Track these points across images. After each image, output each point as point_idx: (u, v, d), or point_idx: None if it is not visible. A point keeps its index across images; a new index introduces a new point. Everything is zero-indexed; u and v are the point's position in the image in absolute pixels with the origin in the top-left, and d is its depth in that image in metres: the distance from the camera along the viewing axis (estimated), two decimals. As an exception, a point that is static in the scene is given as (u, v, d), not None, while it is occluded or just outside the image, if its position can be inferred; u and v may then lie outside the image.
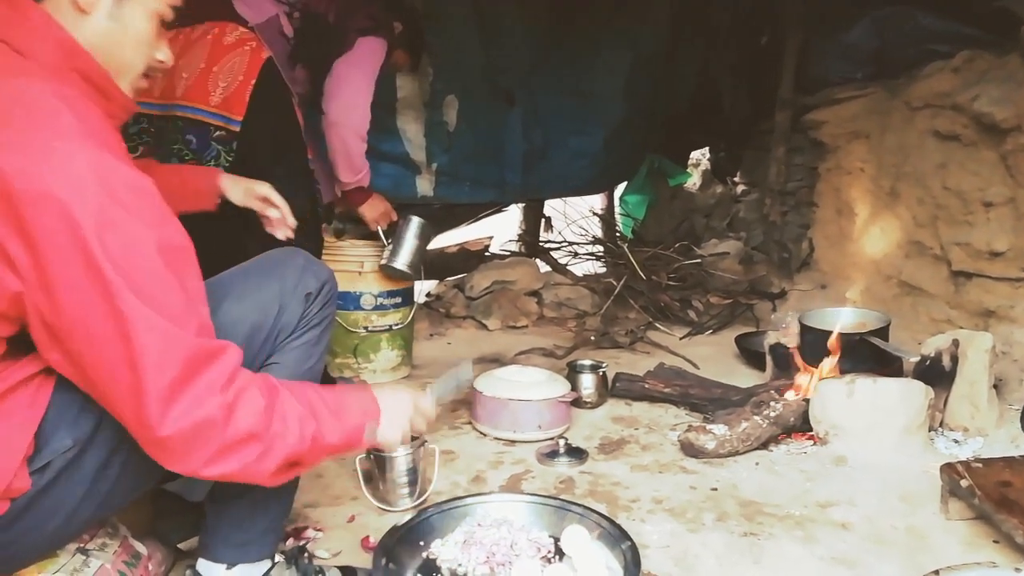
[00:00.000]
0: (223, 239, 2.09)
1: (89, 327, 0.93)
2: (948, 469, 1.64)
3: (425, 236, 2.58)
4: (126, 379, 0.94)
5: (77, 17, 1.04)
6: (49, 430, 1.03)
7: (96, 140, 0.96)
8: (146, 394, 0.93)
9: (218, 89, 1.92)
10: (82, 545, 1.35)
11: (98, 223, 0.91)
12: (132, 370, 0.93)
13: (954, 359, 2.09)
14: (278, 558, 1.37)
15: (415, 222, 2.56)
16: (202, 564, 1.32)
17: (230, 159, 1.95)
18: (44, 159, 0.91)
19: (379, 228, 2.55)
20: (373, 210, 2.50)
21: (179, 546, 1.48)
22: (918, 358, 2.17)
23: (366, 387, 1.27)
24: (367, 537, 1.57)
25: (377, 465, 1.71)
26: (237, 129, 1.93)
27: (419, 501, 1.73)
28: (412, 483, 1.72)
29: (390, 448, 1.27)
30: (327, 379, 2.32)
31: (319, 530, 1.61)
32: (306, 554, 1.45)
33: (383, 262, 2.56)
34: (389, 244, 2.55)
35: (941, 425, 2.09)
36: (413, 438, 1.77)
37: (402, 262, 2.53)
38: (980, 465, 1.63)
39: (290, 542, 1.54)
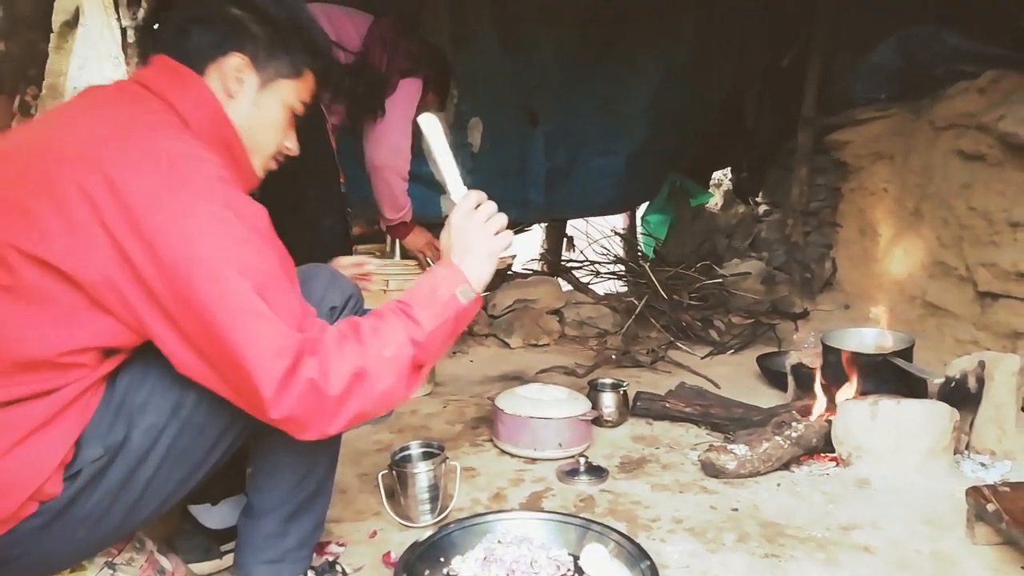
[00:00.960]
0: None
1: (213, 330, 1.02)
2: (974, 493, 1.62)
3: None
4: (242, 374, 1.02)
5: (225, 99, 1.20)
6: (85, 438, 1.07)
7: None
8: (259, 386, 1.01)
9: None
10: (110, 559, 1.38)
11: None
12: (245, 366, 1.01)
13: (980, 381, 2.07)
14: (310, 574, 1.39)
15: None
16: None
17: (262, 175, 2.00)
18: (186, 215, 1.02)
19: (425, 257, 2.66)
20: (417, 241, 2.66)
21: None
22: (943, 379, 2.15)
23: (443, 259, 1.27)
24: (388, 553, 1.59)
25: (399, 481, 1.73)
26: None
27: (440, 517, 1.74)
28: (433, 499, 1.73)
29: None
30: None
31: (342, 545, 1.63)
32: (338, 567, 1.48)
33: None
34: None
35: (967, 448, 2.06)
36: (434, 455, 1.79)
37: None
38: (1008, 489, 1.60)
39: (314, 558, 1.55)
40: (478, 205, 1.28)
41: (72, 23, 2.87)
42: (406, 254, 2.87)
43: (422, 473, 1.71)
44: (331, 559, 1.54)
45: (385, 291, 2.66)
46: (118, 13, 2.92)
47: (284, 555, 1.31)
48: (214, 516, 1.56)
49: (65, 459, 1.05)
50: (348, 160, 2.26)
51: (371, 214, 2.63)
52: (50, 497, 1.05)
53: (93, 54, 2.92)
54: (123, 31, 2.96)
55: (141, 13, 2.99)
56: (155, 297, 1.02)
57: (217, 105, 1.19)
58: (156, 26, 3.13)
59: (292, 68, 1.25)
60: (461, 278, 1.22)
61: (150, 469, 1.12)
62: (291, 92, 1.26)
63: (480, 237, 1.26)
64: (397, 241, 2.74)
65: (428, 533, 1.54)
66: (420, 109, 2.55)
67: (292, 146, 1.33)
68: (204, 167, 1.06)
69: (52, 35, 2.58)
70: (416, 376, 1.16)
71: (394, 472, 1.74)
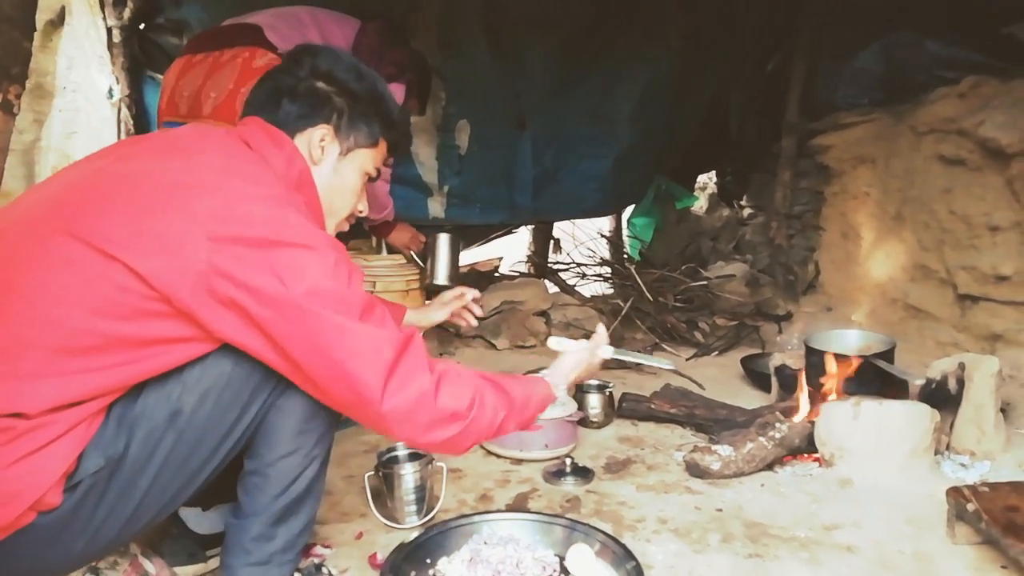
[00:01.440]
0: None
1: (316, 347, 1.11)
2: (954, 493, 1.64)
3: (456, 248, 2.75)
4: (347, 376, 1.11)
5: (310, 165, 1.31)
6: (87, 449, 1.07)
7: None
8: (366, 384, 1.11)
9: None
10: (93, 563, 1.37)
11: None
12: (351, 369, 1.11)
13: (960, 382, 2.09)
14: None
15: (444, 238, 2.72)
16: None
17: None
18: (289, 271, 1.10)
19: (411, 252, 2.76)
20: (401, 238, 2.74)
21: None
22: (924, 381, 2.17)
23: (542, 381, 1.45)
24: (375, 554, 1.58)
25: (385, 482, 1.73)
26: None
27: (426, 519, 1.74)
28: (420, 500, 1.73)
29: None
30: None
31: (327, 547, 1.62)
32: (324, 569, 1.47)
33: (427, 282, 2.70)
34: (427, 265, 2.69)
35: (948, 449, 2.08)
36: (420, 456, 1.80)
37: (443, 277, 2.71)
38: (987, 489, 1.63)
39: (301, 560, 1.55)
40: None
41: (57, 22, 2.85)
42: (392, 250, 2.89)
43: (408, 474, 1.71)
44: (317, 562, 1.54)
45: (371, 292, 2.67)
46: (103, 13, 2.91)
47: (270, 558, 1.30)
48: (203, 521, 1.55)
49: (68, 470, 1.05)
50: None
51: None
52: (49, 507, 1.05)
53: (80, 54, 2.90)
54: (108, 31, 2.95)
55: (126, 13, 2.98)
56: (262, 327, 1.10)
57: (305, 167, 1.30)
58: (142, 26, 3.13)
59: (370, 138, 1.37)
60: (549, 403, 1.44)
61: (148, 479, 1.13)
62: (368, 159, 1.38)
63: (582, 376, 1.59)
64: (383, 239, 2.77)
65: (414, 534, 1.55)
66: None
67: (364, 209, 1.45)
68: (292, 216, 1.14)
69: (36, 34, 2.56)
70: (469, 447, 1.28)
71: (380, 473, 1.74)
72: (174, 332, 1.10)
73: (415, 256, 2.78)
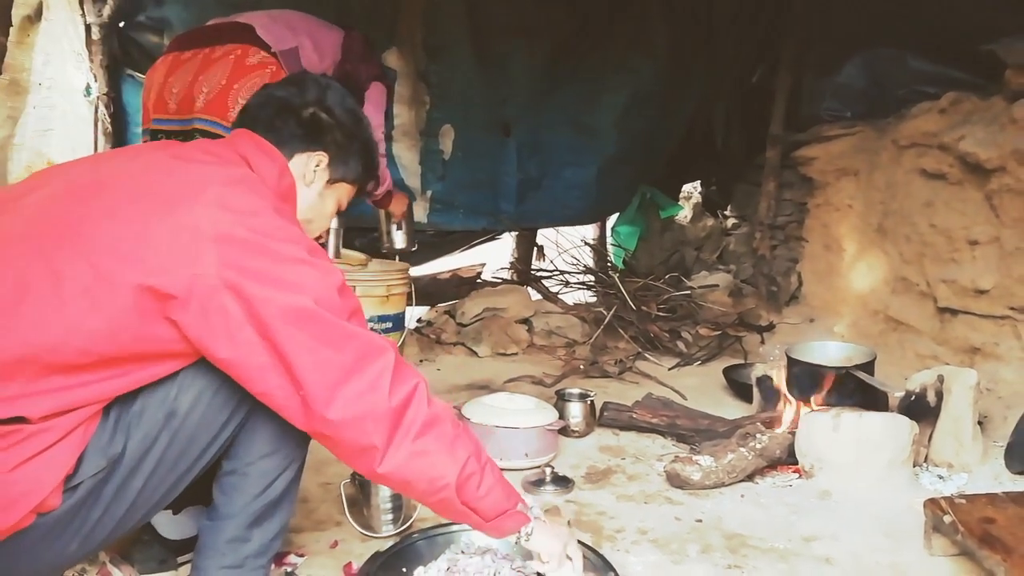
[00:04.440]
0: None
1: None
2: (932, 505, 1.64)
3: (412, 214, 3.07)
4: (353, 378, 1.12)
5: (300, 184, 1.38)
6: (88, 451, 1.10)
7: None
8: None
9: (237, 105, 1.99)
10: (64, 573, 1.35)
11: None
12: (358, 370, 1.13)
13: (939, 395, 2.11)
14: None
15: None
16: None
17: None
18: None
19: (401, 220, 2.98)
20: (400, 206, 2.90)
21: None
22: (903, 393, 2.18)
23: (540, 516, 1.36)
24: (350, 563, 1.56)
25: (362, 490, 1.70)
26: None
27: (403, 527, 1.71)
28: (396, 509, 1.71)
29: (547, 557, 1.35)
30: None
31: (301, 555, 1.60)
32: (294, 579, 1.45)
33: (399, 246, 3.07)
34: (400, 231, 3.04)
35: (926, 461, 2.09)
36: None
37: (402, 242, 3.06)
38: (964, 501, 1.63)
39: (273, 568, 1.52)
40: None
41: (34, 17, 2.81)
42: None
43: (385, 482, 1.69)
44: (289, 570, 1.51)
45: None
46: (83, 9, 2.87)
47: (244, 561, 1.29)
48: (174, 526, 1.54)
49: (68, 472, 1.07)
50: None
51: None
52: (49, 509, 1.07)
53: (57, 50, 2.86)
54: (87, 28, 2.91)
55: (107, 10, 2.95)
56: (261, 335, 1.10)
57: (293, 182, 1.37)
58: (121, 24, 3.09)
59: (355, 176, 1.47)
60: (525, 521, 1.31)
61: (142, 478, 1.15)
62: (345, 194, 1.48)
63: (564, 537, 1.39)
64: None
65: (390, 543, 1.53)
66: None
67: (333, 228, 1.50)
68: (295, 231, 1.20)
69: (12, 29, 2.53)
70: (441, 503, 1.22)
71: (357, 481, 1.72)
72: (172, 347, 1.12)
73: (401, 224, 2.99)
